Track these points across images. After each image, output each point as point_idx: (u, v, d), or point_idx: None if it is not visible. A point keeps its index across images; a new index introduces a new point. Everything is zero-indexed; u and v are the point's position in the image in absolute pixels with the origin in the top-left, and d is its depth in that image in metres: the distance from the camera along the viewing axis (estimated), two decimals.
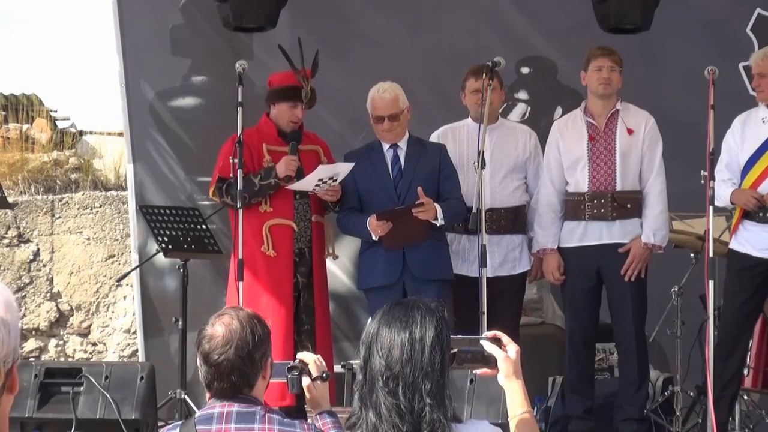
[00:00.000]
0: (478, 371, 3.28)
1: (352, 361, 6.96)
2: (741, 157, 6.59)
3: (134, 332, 9.13)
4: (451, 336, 3.17)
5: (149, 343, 8.46)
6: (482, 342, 3.24)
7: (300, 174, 6.65)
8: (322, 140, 7.03)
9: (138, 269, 8.37)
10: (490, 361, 3.23)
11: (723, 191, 6.53)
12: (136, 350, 9.08)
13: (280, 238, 6.72)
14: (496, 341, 3.24)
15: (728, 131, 6.67)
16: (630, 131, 6.82)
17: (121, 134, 9.42)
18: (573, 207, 6.88)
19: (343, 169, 6.66)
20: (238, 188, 6.57)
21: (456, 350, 3.17)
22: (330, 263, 7.12)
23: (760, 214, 6.50)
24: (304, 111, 6.82)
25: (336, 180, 6.63)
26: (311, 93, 6.79)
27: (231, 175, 6.64)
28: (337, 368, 6.99)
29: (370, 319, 3.25)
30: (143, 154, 8.48)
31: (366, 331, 3.15)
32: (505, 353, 3.23)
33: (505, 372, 3.22)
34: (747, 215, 6.53)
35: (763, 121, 6.58)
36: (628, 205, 6.80)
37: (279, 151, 6.76)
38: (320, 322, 6.79)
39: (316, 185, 6.62)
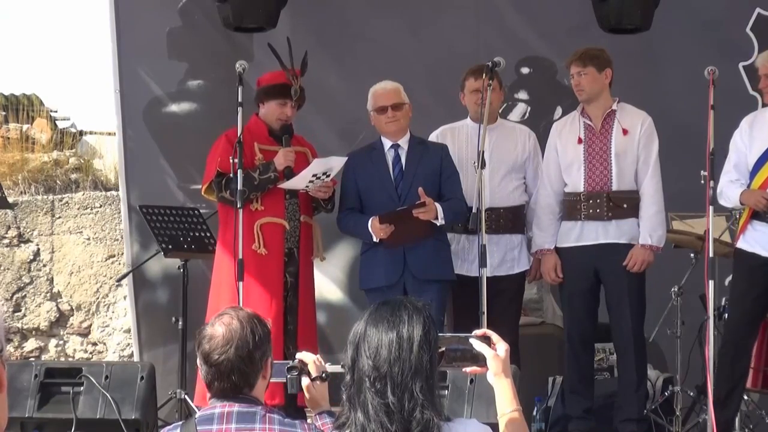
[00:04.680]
0: (468, 369, 3.29)
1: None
2: (750, 157, 6.57)
3: None
4: (441, 334, 3.18)
5: (144, 355, 8.44)
6: (471, 340, 3.25)
7: (290, 174, 6.64)
8: (309, 143, 7.02)
9: (132, 277, 8.36)
10: (479, 360, 3.24)
11: (732, 192, 6.52)
12: None
13: (271, 236, 6.70)
14: (486, 339, 3.25)
15: (736, 131, 6.65)
16: (625, 131, 6.82)
17: None
18: (569, 207, 6.89)
19: (336, 163, 6.65)
20: (239, 188, 6.56)
21: (444, 349, 3.18)
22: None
23: None
24: (294, 110, 6.81)
25: (329, 175, 6.63)
26: (300, 92, 6.79)
27: (232, 172, 6.62)
28: (339, 368, 6.97)
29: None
30: (136, 161, 8.46)
31: (353, 331, 3.16)
32: (494, 351, 3.24)
33: (494, 370, 3.24)
34: (756, 215, 6.51)
35: None
36: (624, 205, 6.80)
37: (270, 150, 6.76)
38: (303, 322, 6.74)
39: (310, 181, 6.61)
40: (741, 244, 6.60)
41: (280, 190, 6.69)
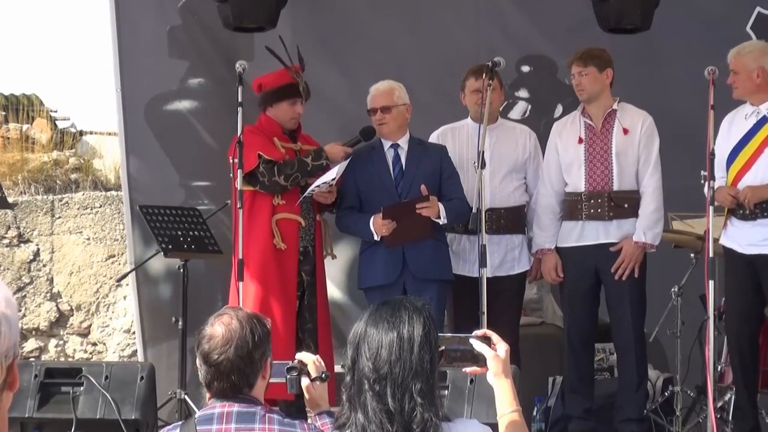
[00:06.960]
0: (468, 369, 3.29)
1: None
2: (726, 153, 6.62)
3: (134, 332, 9.13)
4: (442, 334, 3.17)
5: (148, 351, 8.45)
6: (471, 340, 3.24)
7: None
8: (316, 142, 7.02)
9: (135, 274, 8.35)
10: (479, 360, 3.24)
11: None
12: (136, 350, 9.09)
13: (287, 232, 6.71)
14: (486, 340, 3.25)
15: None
16: (626, 131, 6.83)
17: None
18: (570, 207, 6.89)
19: (338, 168, 6.67)
20: (239, 188, 6.57)
21: (443, 348, 3.18)
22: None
23: (740, 212, 6.53)
24: (303, 106, 6.84)
25: (335, 179, 6.64)
26: (306, 86, 6.82)
27: (282, 158, 6.66)
28: (337, 368, 6.98)
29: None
30: (138, 158, 8.46)
31: (353, 331, 3.15)
32: (495, 352, 3.24)
33: (494, 370, 3.23)
34: (732, 212, 6.57)
35: (746, 118, 6.61)
36: (625, 205, 6.81)
37: (289, 148, 6.79)
38: (322, 321, 6.79)
39: (313, 189, 6.64)
40: (722, 240, 6.64)
41: (297, 188, 6.71)
